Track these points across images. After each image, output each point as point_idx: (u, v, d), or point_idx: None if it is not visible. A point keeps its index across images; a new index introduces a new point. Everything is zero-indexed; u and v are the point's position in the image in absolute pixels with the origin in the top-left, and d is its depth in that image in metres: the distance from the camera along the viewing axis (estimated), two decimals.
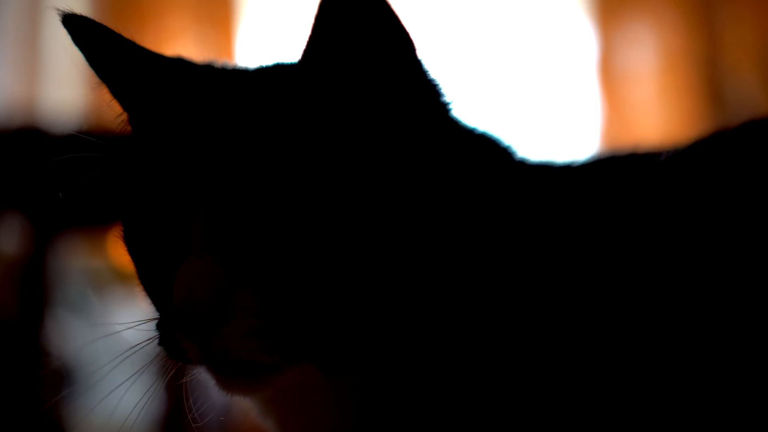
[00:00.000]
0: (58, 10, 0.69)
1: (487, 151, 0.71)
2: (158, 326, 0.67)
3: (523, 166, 0.72)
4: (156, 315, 0.69)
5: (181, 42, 3.16)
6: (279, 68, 0.67)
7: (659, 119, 3.36)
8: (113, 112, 0.74)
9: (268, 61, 0.71)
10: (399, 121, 0.64)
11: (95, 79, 0.72)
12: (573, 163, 0.73)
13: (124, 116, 0.73)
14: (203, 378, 0.68)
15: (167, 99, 0.67)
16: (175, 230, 0.63)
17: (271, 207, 0.62)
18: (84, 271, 2.70)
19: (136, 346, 0.70)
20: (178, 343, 0.64)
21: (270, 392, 0.68)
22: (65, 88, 2.48)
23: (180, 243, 0.63)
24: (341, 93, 0.63)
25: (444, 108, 0.68)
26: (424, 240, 0.64)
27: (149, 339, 0.69)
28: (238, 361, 0.62)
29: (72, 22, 0.70)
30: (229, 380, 0.65)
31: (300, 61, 0.64)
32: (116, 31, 0.70)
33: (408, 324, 0.64)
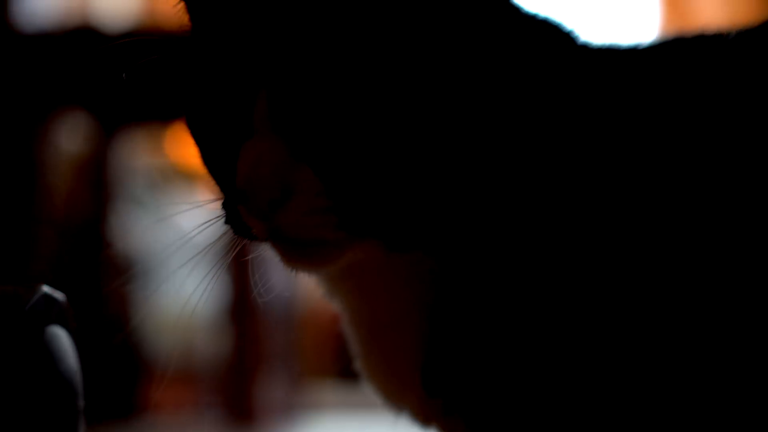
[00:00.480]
0: None
1: (550, 35, 0.70)
2: (224, 206, 0.68)
3: (586, 50, 0.71)
4: (219, 197, 0.71)
5: None
6: None
7: (719, 4, 3.25)
8: (168, 7, 0.74)
9: None
10: (462, 4, 0.65)
11: None
12: (638, 46, 0.72)
13: (181, 5, 0.74)
14: (268, 256, 0.70)
15: None
16: (237, 112, 0.64)
17: (332, 83, 0.62)
18: (145, 168, 2.75)
19: (200, 225, 0.72)
20: (243, 221, 0.65)
21: (335, 270, 0.69)
22: None
23: (242, 125, 0.64)
24: None
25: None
26: (484, 118, 0.65)
27: (214, 218, 0.71)
28: (301, 238, 0.64)
29: None
30: (293, 256, 0.66)
31: None
32: None
33: (462, 202, 0.65)
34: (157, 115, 2.31)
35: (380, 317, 0.71)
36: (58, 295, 0.72)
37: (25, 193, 2.12)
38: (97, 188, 2.30)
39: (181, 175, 2.72)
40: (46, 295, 0.71)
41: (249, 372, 2.13)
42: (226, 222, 0.68)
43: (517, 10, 0.69)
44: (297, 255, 0.66)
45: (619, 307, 0.64)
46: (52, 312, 0.71)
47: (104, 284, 2.15)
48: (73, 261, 2.18)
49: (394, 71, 0.63)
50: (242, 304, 2.05)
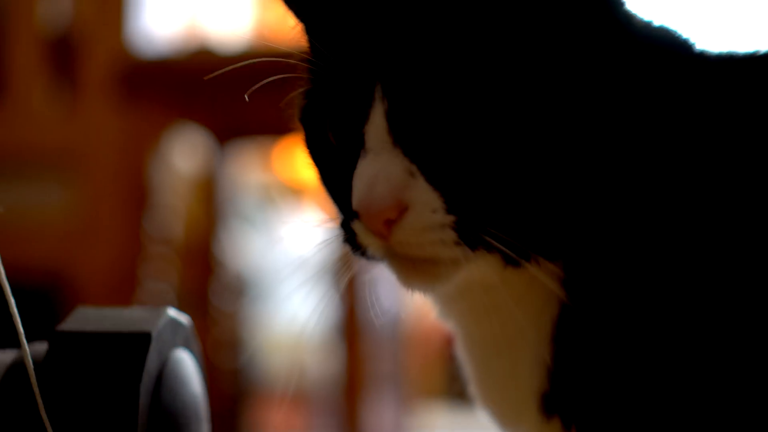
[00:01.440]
0: None
1: (667, 44, 0.68)
2: (342, 225, 0.68)
3: (703, 59, 0.69)
4: (338, 216, 0.71)
5: None
6: None
7: None
8: (285, 28, 0.75)
9: None
10: (579, 14, 0.63)
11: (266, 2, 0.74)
12: (756, 53, 0.69)
13: (299, 27, 0.74)
14: (384, 275, 0.70)
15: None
16: (353, 129, 0.64)
17: (452, 97, 0.61)
18: (255, 185, 2.80)
19: (315, 246, 0.72)
20: (359, 240, 0.65)
21: (449, 290, 0.68)
22: (233, 13, 2.55)
23: (358, 142, 0.64)
24: None
25: (619, 2, 0.66)
26: (601, 131, 0.63)
27: (328, 238, 0.71)
28: (418, 255, 0.63)
29: None
30: (410, 275, 0.65)
31: None
32: None
33: (583, 209, 0.63)
34: (267, 132, 2.35)
35: (497, 337, 0.69)
36: (184, 319, 0.73)
37: (141, 211, 2.18)
38: (210, 206, 2.34)
39: (291, 192, 2.75)
40: (172, 319, 0.71)
41: (358, 393, 2.12)
42: (345, 241, 0.68)
43: (633, 18, 0.67)
44: (414, 273, 0.65)
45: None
46: (178, 336, 0.72)
47: (216, 303, 2.18)
48: (187, 280, 2.22)
49: (517, 83, 0.61)
50: (352, 324, 2.05)
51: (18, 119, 2.23)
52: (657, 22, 0.69)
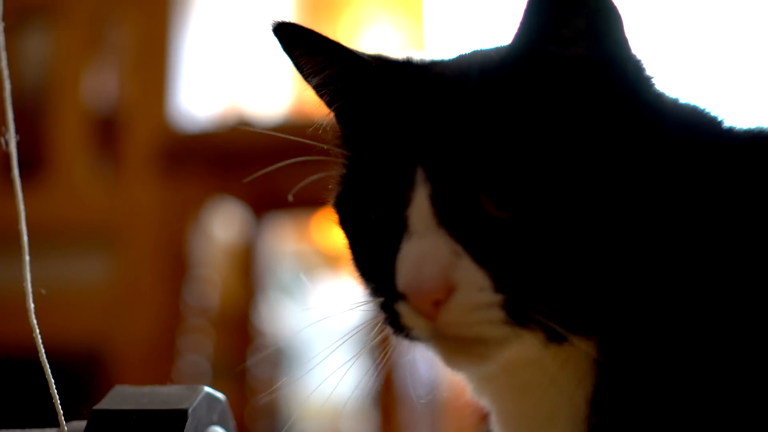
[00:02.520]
0: (272, 20, 0.72)
1: (697, 122, 0.69)
2: (383, 307, 0.68)
3: (734, 137, 0.69)
4: (370, 297, 0.71)
5: (372, 28, 3.23)
6: (491, 54, 0.68)
7: None
8: (316, 108, 0.77)
9: (464, 49, 0.72)
10: (614, 98, 0.65)
11: (302, 81, 0.76)
12: None
13: (330, 115, 0.76)
14: (425, 356, 0.70)
15: (380, 87, 0.70)
16: (393, 213, 0.65)
17: (494, 182, 0.63)
18: (292, 255, 2.82)
19: (357, 327, 0.72)
20: (401, 322, 0.65)
21: (491, 369, 0.68)
22: (270, 91, 2.60)
23: (399, 225, 0.65)
24: (563, 73, 0.64)
25: (650, 82, 0.68)
26: (648, 213, 0.64)
27: (370, 320, 0.71)
28: (465, 335, 0.63)
29: (282, 30, 0.73)
30: (456, 356, 0.65)
31: (516, 46, 0.65)
32: (314, 28, 0.73)
33: (626, 294, 0.63)
34: (304, 203, 2.37)
35: (532, 416, 0.69)
36: (220, 396, 0.74)
37: (180, 283, 2.20)
38: (248, 276, 2.36)
39: (328, 262, 2.77)
40: (209, 396, 0.72)
41: None
42: (386, 322, 0.68)
43: (663, 100, 0.68)
44: (460, 354, 0.65)
45: None
46: (214, 412, 0.72)
47: (254, 373, 2.18)
48: (225, 350, 2.23)
49: (559, 170, 0.62)
50: (388, 394, 2.04)
51: (61, 194, 2.29)
52: (684, 100, 0.70)
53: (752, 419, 0.61)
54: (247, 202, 2.35)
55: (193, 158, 2.20)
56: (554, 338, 0.63)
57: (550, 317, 0.62)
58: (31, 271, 0.63)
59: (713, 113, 0.71)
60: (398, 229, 0.65)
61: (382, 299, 0.68)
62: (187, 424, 0.66)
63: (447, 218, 0.63)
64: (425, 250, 0.62)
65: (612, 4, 0.64)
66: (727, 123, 0.70)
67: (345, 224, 0.73)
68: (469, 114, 0.63)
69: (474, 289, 0.62)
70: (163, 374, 1.99)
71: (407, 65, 0.72)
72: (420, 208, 0.63)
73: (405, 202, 0.64)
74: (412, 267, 0.62)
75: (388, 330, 0.68)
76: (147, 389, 0.71)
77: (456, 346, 0.65)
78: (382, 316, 0.68)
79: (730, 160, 0.67)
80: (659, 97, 0.68)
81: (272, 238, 2.46)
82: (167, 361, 2.08)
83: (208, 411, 0.71)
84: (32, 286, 0.62)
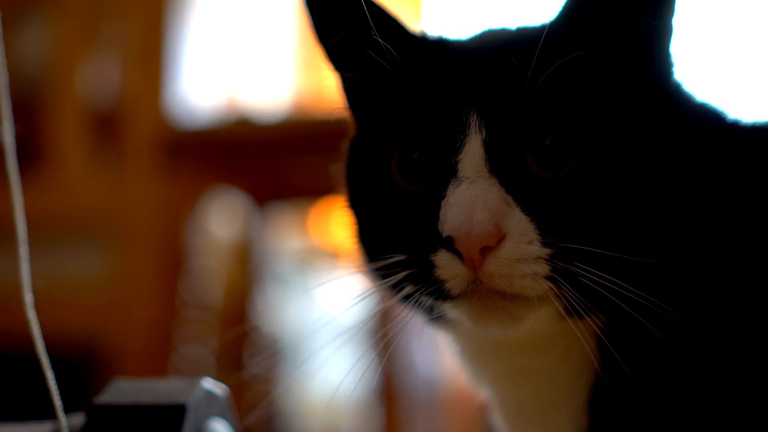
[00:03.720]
0: None
1: (707, 118, 0.70)
2: (410, 262, 0.66)
3: (738, 129, 0.70)
4: (376, 262, 0.69)
5: None
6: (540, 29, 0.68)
7: None
8: (317, 102, 0.76)
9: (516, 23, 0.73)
10: (660, 71, 0.67)
11: (307, 62, 0.75)
12: None
13: (339, 82, 0.75)
14: (421, 339, 0.69)
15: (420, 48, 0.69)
16: (439, 160, 0.65)
17: (549, 134, 0.63)
18: (291, 249, 2.81)
19: (356, 325, 0.71)
20: (434, 276, 0.64)
21: (487, 352, 0.69)
22: (271, 87, 2.59)
23: (445, 172, 0.64)
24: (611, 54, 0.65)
25: (669, 74, 0.69)
26: (670, 186, 0.64)
27: (361, 296, 0.70)
28: (505, 289, 0.62)
29: None
30: (488, 314, 0.64)
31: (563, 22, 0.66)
32: None
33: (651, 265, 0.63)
34: (303, 196, 2.38)
35: (533, 403, 0.69)
36: (219, 389, 0.73)
37: (178, 276, 2.20)
38: (246, 269, 2.36)
39: (327, 255, 2.76)
40: (207, 390, 0.72)
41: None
42: (410, 279, 0.66)
43: (680, 92, 0.69)
44: (493, 312, 0.64)
45: None
46: (214, 406, 0.72)
47: (251, 366, 2.18)
48: (223, 343, 2.23)
49: (605, 138, 0.63)
50: (388, 387, 2.04)
51: (59, 187, 2.28)
52: (699, 97, 0.71)
53: (751, 416, 0.61)
54: (246, 197, 2.35)
55: (191, 153, 2.20)
56: (572, 311, 0.63)
57: (587, 276, 0.61)
58: (29, 264, 0.63)
59: (720, 108, 0.71)
60: (443, 175, 0.64)
61: (407, 255, 0.66)
62: (186, 417, 0.66)
63: (499, 166, 0.63)
64: (477, 194, 0.62)
65: None
66: (732, 117, 0.71)
67: (360, 187, 0.72)
68: (526, 67, 0.63)
69: (524, 239, 0.61)
70: (161, 367, 2.00)
71: (449, 39, 0.72)
72: (473, 153, 0.63)
73: (455, 147, 0.64)
74: (463, 210, 0.61)
75: (408, 290, 0.66)
76: (145, 383, 0.71)
77: (491, 303, 0.63)
78: (403, 274, 0.66)
79: (732, 152, 0.68)
80: (678, 92, 0.69)
81: (271, 232, 2.46)
82: (165, 355, 2.08)
83: (207, 404, 0.71)
84: (30, 280, 0.62)
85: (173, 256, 2.20)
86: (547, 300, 0.63)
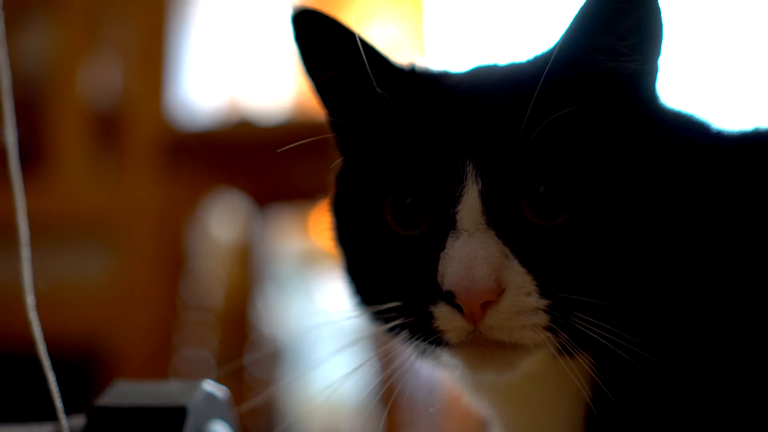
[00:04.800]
0: (293, 6, 0.70)
1: (691, 133, 0.69)
2: (406, 310, 0.66)
3: (723, 139, 0.70)
4: (370, 305, 0.70)
5: (374, 20, 3.21)
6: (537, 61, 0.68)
7: None
8: (318, 104, 0.75)
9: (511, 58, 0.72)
10: (646, 111, 0.66)
11: (304, 75, 0.74)
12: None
13: (328, 118, 0.74)
14: (446, 362, 0.68)
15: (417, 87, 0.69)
16: (436, 210, 0.64)
17: (546, 183, 0.63)
18: (292, 251, 2.81)
19: (358, 334, 0.71)
20: (432, 326, 0.64)
21: (508, 378, 0.68)
22: (272, 89, 2.60)
23: (443, 223, 0.64)
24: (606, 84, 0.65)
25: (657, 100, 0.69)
26: (666, 222, 0.64)
27: (379, 324, 0.69)
28: (505, 340, 0.62)
29: (302, 19, 0.70)
30: (485, 362, 0.65)
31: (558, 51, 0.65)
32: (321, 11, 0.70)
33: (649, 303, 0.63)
34: (304, 198, 2.38)
35: (533, 426, 0.70)
36: (220, 391, 0.74)
37: (179, 278, 2.20)
38: (247, 271, 2.36)
39: (328, 257, 2.77)
40: (208, 392, 0.72)
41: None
42: (406, 326, 0.65)
43: (663, 111, 0.69)
44: (490, 360, 0.64)
45: None
46: (214, 408, 0.73)
47: (252, 369, 2.18)
48: (224, 346, 2.23)
49: (605, 185, 0.62)
50: (389, 391, 2.04)
51: (60, 188, 2.28)
52: (680, 109, 0.71)
53: None
54: (247, 198, 2.35)
55: (192, 154, 2.20)
56: (566, 352, 0.63)
57: (583, 324, 0.61)
58: (31, 266, 0.63)
59: (701, 118, 0.71)
60: (441, 225, 0.64)
61: (404, 302, 0.65)
62: (187, 420, 0.67)
63: (497, 218, 0.62)
64: (477, 249, 0.61)
65: (662, 20, 0.64)
66: (716, 126, 0.71)
67: (348, 227, 0.72)
68: (521, 118, 0.63)
69: (522, 292, 0.61)
70: (161, 369, 1.99)
71: (441, 73, 0.72)
72: (470, 205, 0.63)
73: (453, 198, 0.63)
74: (464, 266, 0.61)
75: (405, 335, 0.66)
76: (146, 385, 0.71)
77: (489, 352, 0.64)
78: (400, 321, 0.66)
79: (732, 165, 0.67)
80: (662, 105, 0.69)
81: (271, 234, 2.46)
82: (166, 357, 2.08)
83: (208, 406, 0.71)
84: (32, 282, 0.62)
85: (174, 258, 2.20)
86: (544, 346, 0.63)
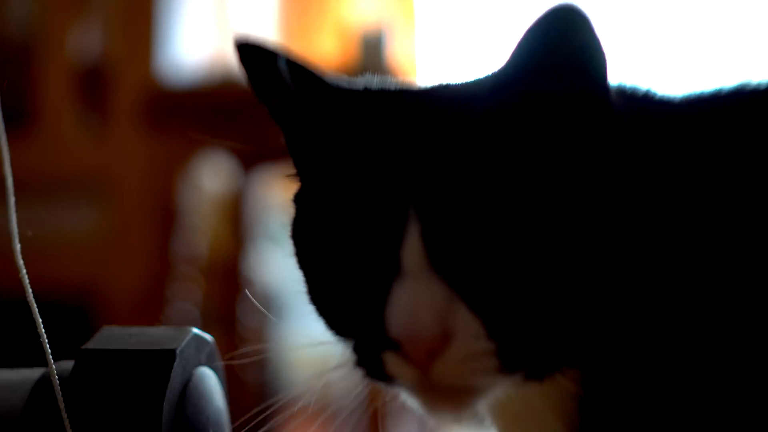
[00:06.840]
0: (235, 38, 0.68)
1: (629, 101, 0.67)
2: (361, 353, 0.64)
3: (667, 106, 0.68)
4: (337, 336, 0.68)
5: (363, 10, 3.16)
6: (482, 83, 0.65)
7: None
8: (310, 57, 0.75)
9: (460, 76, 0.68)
10: (594, 133, 0.62)
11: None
12: (720, 91, 0.67)
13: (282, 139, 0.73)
14: (402, 399, 0.67)
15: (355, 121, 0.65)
16: (381, 252, 0.61)
17: (489, 224, 0.60)
18: (281, 204, 2.82)
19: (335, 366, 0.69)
20: (384, 369, 0.62)
21: (468, 417, 0.66)
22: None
23: (388, 265, 0.61)
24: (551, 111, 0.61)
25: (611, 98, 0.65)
26: (621, 236, 0.61)
27: (342, 362, 0.67)
28: (457, 385, 0.60)
29: (245, 49, 0.68)
30: (440, 405, 0.63)
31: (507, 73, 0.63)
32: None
33: (609, 323, 0.62)
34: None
35: None
36: (207, 338, 0.74)
37: (169, 232, 2.21)
38: (236, 226, 2.37)
39: None
40: (197, 337, 0.73)
41: (383, 407, 2.13)
42: (360, 365, 0.64)
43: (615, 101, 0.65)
44: (445, 403, 0.62)
45: None
46: (202, 354, 0.73)
47: (243, 320, 2.20)
48: (214, 298, 2.25)
49: (557, 217, 0.60)
50: None
51: (49, 145, 2.29)
52: (619, 82, 0.68)
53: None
54: (236, 154, 2.35)
55: (180, 111, 2.20)
56: (533, 377, 0.62)
57: (539, 360, 0.60)
58: (18, 220, 0.64)
59: (643, 88, 0.69)
60: (386, 265, 0.61)
61: (358, 344, 0.64)
62: (175, 364, 0.67)
63: (439, 260, 0.59)
64: (420, 295, 0.59)
65: (601, 45, 0.62)
66: (661, 94, 0.68)
67: (306, 255, 0.69)
68: (459, 152, 0.60)
69: (470, 337, 0.59)
70: (151, 322, 2.01)
71: (381, 93, 0.68)
72: (413, 248, 0.59)
73: (397, 240, 0.60)
74: (407, 314, 0.58)
75: (362, 374, 0.64)
76: (135, 330, 0.71)
77: (442, 395, 0.62)
78: (356, 360, 0.64)
79: (668, 136, 0.65)
80: (617, 114, 0.65)
81: (261, 188, 2.47)
82: (156, 310, 2.10)
83: (197, 352, 0.72)
84: (19, 234, 0.63)
85: (164, 213, 2.21)
86: (500, 385, 0.62)
